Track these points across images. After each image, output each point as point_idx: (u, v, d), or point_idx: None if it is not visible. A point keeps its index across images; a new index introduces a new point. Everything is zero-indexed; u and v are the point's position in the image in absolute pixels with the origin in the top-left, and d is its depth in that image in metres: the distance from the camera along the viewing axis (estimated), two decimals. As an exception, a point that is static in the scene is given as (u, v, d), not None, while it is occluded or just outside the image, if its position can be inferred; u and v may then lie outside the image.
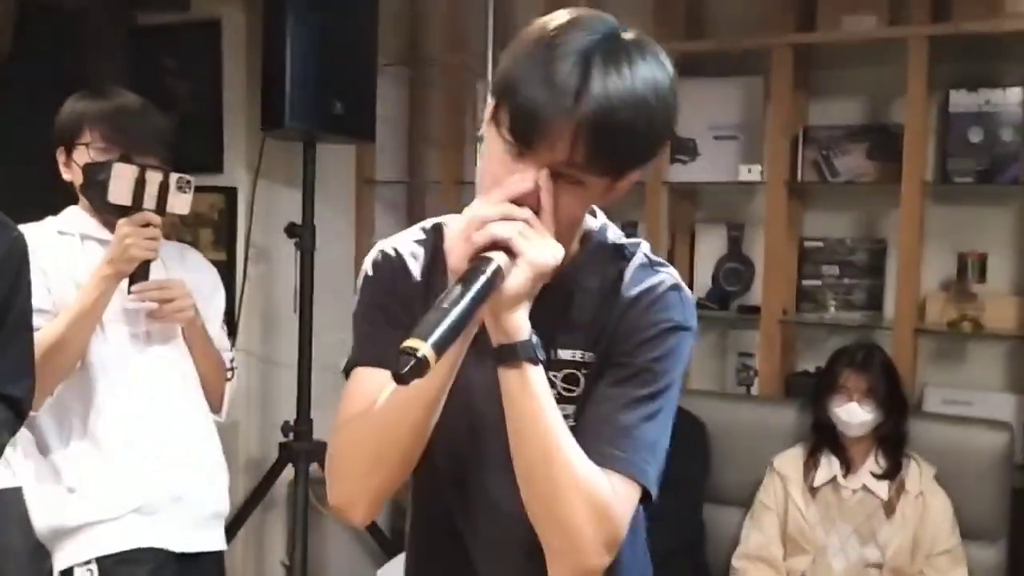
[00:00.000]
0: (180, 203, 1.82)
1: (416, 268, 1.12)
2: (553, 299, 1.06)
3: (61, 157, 1.86)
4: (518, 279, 0.94)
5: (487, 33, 2.97)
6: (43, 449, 1.82)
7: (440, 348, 0.86)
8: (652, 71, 0.97)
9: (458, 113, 3.33)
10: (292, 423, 2.86)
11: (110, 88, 1.93)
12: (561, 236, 1.00)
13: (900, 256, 2.77)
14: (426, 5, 3.50)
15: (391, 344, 0.99)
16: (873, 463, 2.47)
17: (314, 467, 2.81)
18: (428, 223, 1.17)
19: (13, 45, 2.80)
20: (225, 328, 2.08)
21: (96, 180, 1.77)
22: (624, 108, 0.93)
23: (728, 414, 2.83)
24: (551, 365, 1.07)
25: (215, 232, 3.03)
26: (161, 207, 1.79)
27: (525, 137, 0.95)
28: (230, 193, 3.02)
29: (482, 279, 0.92)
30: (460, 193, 3.34)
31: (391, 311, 1.10)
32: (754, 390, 3.06)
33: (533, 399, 0.98)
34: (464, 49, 3.28)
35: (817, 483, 2.49)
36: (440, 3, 3.41)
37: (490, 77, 2.98)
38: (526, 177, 0.96)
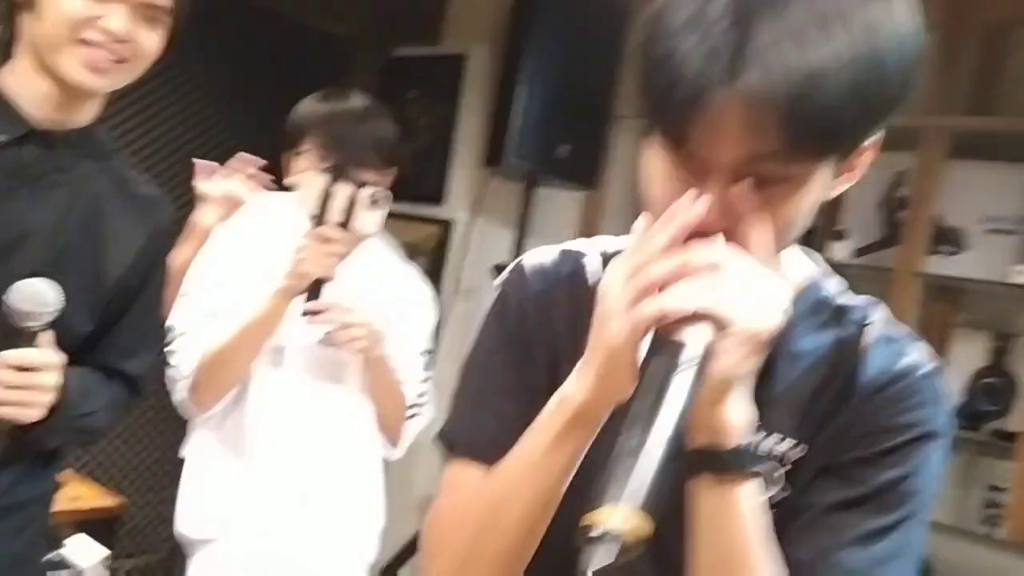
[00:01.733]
0: (369, 220, 1.69)
1: (560, 314, 0.84)
2: None
3: (285, 162, 1.82)
4: (730, 358, 0.65)
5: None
6: (199, 451, 1.80)
7: (648, 506, 0.58)
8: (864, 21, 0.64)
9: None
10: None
11: (341, 91, 1.83)
12: (782, 245, 0.71)
13: None
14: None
15: (509, 424, 0.79)
16: None
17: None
18: (570, 246, 0.90)
19: (277, 65, 2.96)
20: (426, 357, 1.87)
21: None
22: (824, 51, 0.62)
23: (965, 557, 2.38)
24: None
25: (429, 263, 3.02)
26: (348, 222, 1.67)
27: (676, 122, 0.65)
28: (447, 226, 3.01)
29: (675, 380, 0.62)
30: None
31: (524, 369, 0.83)
32: (1001, 533, 2.56)
33: (737, 526, 0.71)
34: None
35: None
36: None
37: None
38: (700, 196, 0.67)
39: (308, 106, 1.79)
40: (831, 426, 0.78)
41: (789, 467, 0.79)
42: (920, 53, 0.70)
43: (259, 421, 1.73)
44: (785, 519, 0.77)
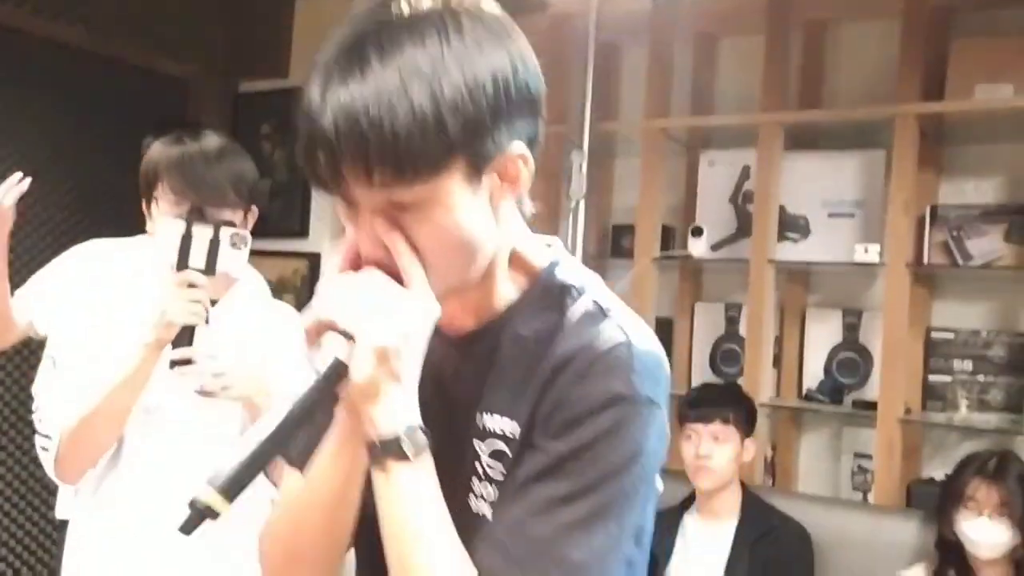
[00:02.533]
0: (233, 261, 1.63)
1: None
2: (480, 350, 0.87)
3: (146, 209, 1.72)
4: (359, 368, 0.77)
5: (585, 103, 2.86)
6: (78, 534, 1.71)
7: (227, 489, 0.76)
8: (415, 50, 0.75)
9: (552, 182, 3.20)
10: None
11: (193, 131, 1.76)
12: (450, 272, 0.80)
13: (1044, 352, 2.42)
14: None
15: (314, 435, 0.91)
16: (1010, 592, 2.11)
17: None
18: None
19: (121, 111, 2.88)
20: None
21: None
22: (362, 105, 0.74)
23: (840, 524, 2.51)
24: (478, 433, 0.86)
25: (297, 298, 2.97)
26: (211, 266, 1.61)
27: (315, 179, 0.78)
28: (313, 258, 2.97)
29: (314, 382, 0.78)
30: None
31: None
32: (871, 497, 2.72)
33: (397, 507, 0.80)
34: (561, 120, 3.17)
35: (941, 611, 2.14)
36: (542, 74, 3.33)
37: (585, 146, 2.86)
38: (351, 232, 0.80)
39: (159, 149, 1.71)
40: (532, 405, 0.83)
41: (511, 448, 0.85)
42: (517, 77, 0.79)
43: (136, 485, 1.65)
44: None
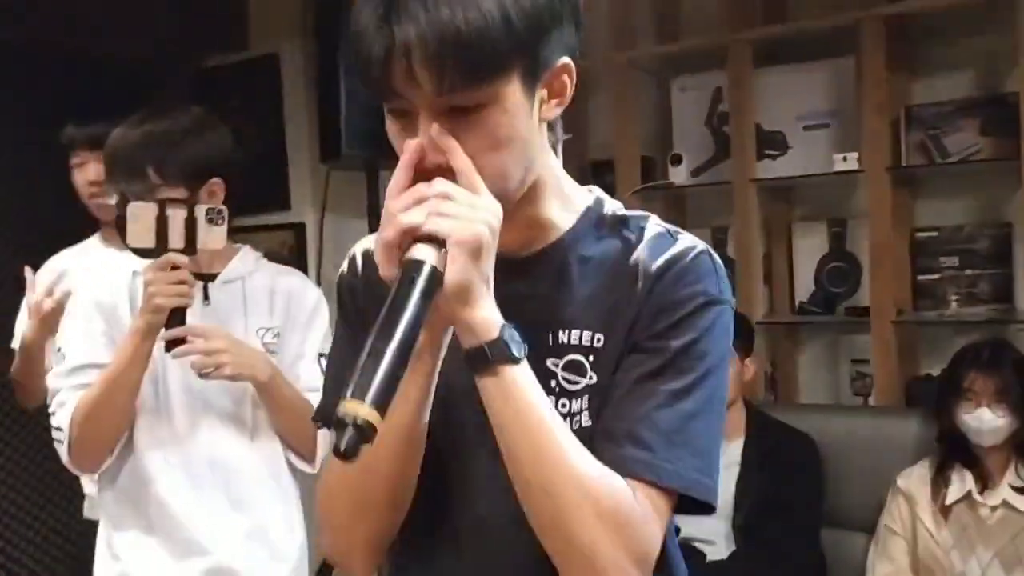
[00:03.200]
0: (213, 237, 1.62)
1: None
2: (546, 272, 0.91)
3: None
4: (455, 269, 0.78)
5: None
6: (103, 507, 1.73)
7: (382, 404, 0.71)
8: None
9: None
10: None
11: (155, 111, 1.70)
12: (502, 180, 0.83)
13: (1028, 239, 2.45)
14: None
15: None
16: (1014, 475, 2.17)
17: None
18: (367, 245, 1.00)
19: (84, 102, 2.85)
20: (325, 361, 1.81)
21: (120, 224, 1.60)
22: (432, 5, 0.77)
23: (844, 429, 2.56)
24: (550, 351, 0.90)
25: (287, 270, 2.98)
26: (191, 245, 1.60)
27: (378, 87, 0.80)
28: (299, 229, 2.97)
29: (413, 293, 0.76)
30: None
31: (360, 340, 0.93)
32: (872, 400, 2.77)
33: (517, 406, 0.82)
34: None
35: (949, 501, 2.20)
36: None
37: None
38: (411, 140, 0.81)
39: (122, 135, 1.67)
40: (624, 314, 0.89)
41: (595, 359, 0.90)
42: None
43: (152, 470, 1.67)
44: (596, 402, 0.89)
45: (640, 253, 0.91)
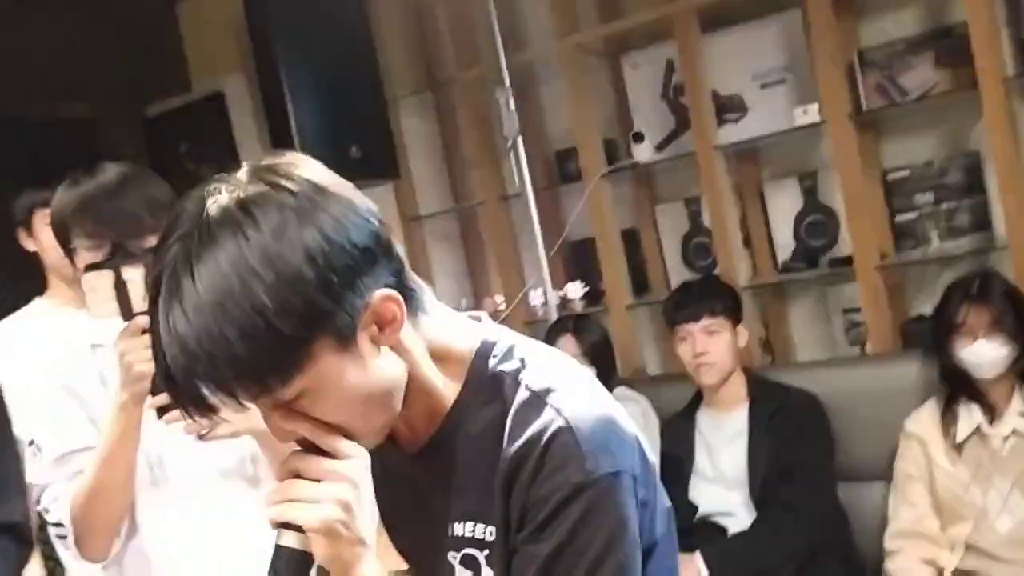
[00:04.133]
0: None
1: None
2: (438, 460, 0.87)
3: (70, 263, 1.60)
4: (318, 552, 0.81)
5: (495, 39, 2.81)
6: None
7: None
8: (219, 263, 0.73)
9: (486, 127, 3.16)
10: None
11: (88, 170, 1.63)
12: (367, 423, 0.82)
13: (997, 165, 2.44)
14: (431, 28, 3.36)
15: None
16: (1020, 402, 2.15)
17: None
18: None
19: (28, 165, 2.78)
20: None
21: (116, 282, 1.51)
22: (194, 341, 0.74)
23: (844, 382, 2.54)
24: (450, 544, 0.86)
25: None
26: None
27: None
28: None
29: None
30: (507, 209, 3.17)
31: None
32: (868, 348, 2.76)
33: None
34: (478, 61, 3.12)
35: (960, 438, 2.19)
36: (445, 21, 3.26)
37: (507, 82, 2.81)
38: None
39: (59, 199, 1.60)
40: (501, 507, 0.83)
41: (488, 552, 0.85)
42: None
43: (157, 545, 1.61)
44: None
45: (507, 426, 0.84)
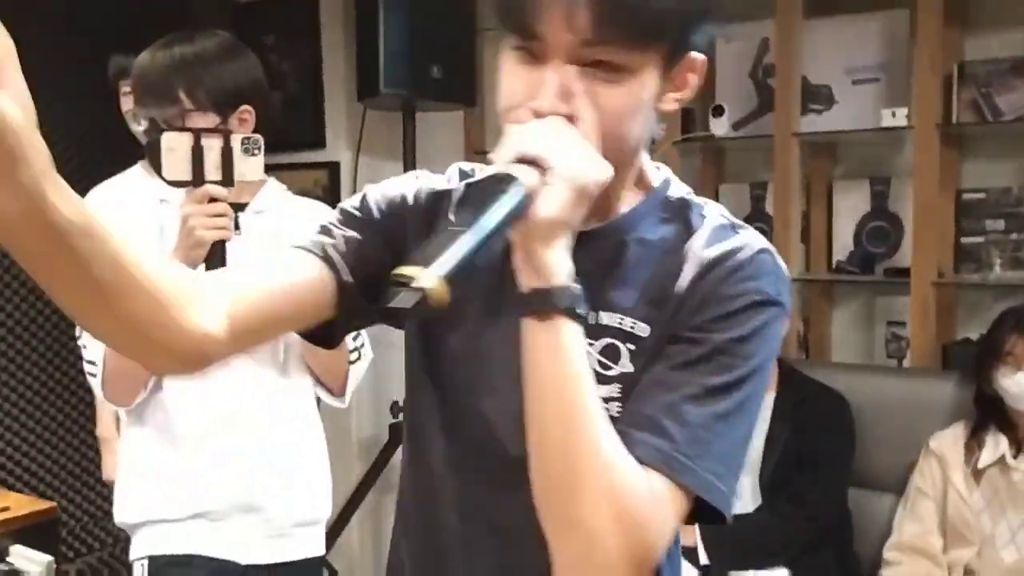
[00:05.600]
0: (250, 167, 1.57)
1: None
2: (601, 248, 0.86)
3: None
4: (552, 199, 0.73)
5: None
6: (127, 443, 1.75)
7: (451, 276, 0.65)
8: None
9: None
10: (401, 403, 2.78)
11: (184, 35, 1.64)
12: (613, 149, 0.79)
13: (1079, 203, 2.38)
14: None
15: (340, 245, 0.91)
16: (1050, 442, 2.13)
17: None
18: (464, 166, 0.98)
19: (117, 33, 2.83)
20: None
21: (151, 152, 1.54)
22: None
23: (876, 389, 2.53)
24: (589, 331, 0.82)
25: (321, 209, 2.97)
26: (228, 176, 1.54)
27: (523, 22, 0.77)
28: (333, 168, 2.96)
29: (503, 198, 0.70)
30: (573, 160, 3.16)
31: (377, 225, 0.92)
32: (907, 363, 2.73)
33: (563, 363, 0.76)
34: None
35: (982, 465, 2.17)
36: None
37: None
38: (545, 83, 0.77)
39: (147, 58, 1.61)
40: (674, 302, 0.84)
41: (633, 347, 0.85)
42: None
43: (181, 407, 1.67)
44: (628, 393, 0.84)
45: (695, 240, 0.86)
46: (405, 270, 0.65)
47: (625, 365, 0.85)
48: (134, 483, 1.72)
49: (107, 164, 2.00)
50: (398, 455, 2.83)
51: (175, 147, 1.52)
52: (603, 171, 0.78)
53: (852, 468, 2.42)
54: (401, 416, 2.93)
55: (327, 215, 0.96)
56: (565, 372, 0.76)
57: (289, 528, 1.75)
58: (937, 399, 2.40)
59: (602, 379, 0.84)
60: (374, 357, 1.81)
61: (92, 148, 2.80)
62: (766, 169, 2.88)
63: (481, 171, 0.90)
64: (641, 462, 0.78)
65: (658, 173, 0.93)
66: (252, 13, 3.03)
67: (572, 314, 0.76)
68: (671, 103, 0.84)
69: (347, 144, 2.93)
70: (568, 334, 0.76)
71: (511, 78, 0.81)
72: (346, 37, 2.89)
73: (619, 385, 0.85)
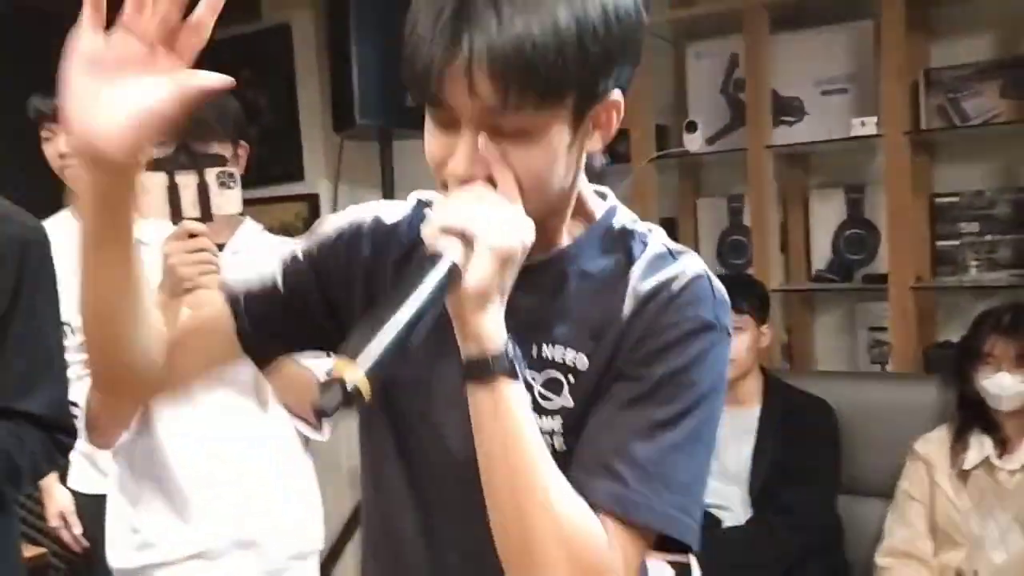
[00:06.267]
0: (227, 201, 1.58)
1: (395, 249, 0.95)
2: (543, 281, 0.87)
3: None
4: (479, 269, 0.75)
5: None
6: (119, 483, 1.74)
7: (376, 369, 0.68)
8: None
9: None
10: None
11: None
12: (538, 201, 0.81)
13: (1049, 203, 2.42)
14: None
15: (267, 282, 0.95)
16: (1034, 440, 2.15)
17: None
18: (423, 195, 1.00)
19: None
20: None
21: (170, 189, 1.54)
22: (521, 19, 0.74)
23: (860, 395, 2.55)
24: (532, 363, 0.86)
25: (302, 241, 2.98)
26: (206, 212, 1.56)
27: (428, 93, 0.78)
28: (312, 200, 2.97)
29: (431, 274, 0.73)
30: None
31: (314, 273, 0.95)
32: (889, 368, 2.76)
33: (506, 423, 0.78)
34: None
35: (968, 466, 2.19)
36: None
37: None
38: (458, 150, 0.79)
39: None
40: (610, 338, 0.85)
41: (574, 380, 0.86)
42: (638, 17, 0.81)
43: (169, 446, 1.67)
44: (570, 426, 0.85)
45: (634, 271, 0.87)
46: (335, 364, 0.68)
47: (566, 399, 0.86)
48: (126, 526, 1.71)
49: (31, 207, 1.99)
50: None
51: (149, 187, 1.53)
52: (527, 234, 0.79)
53: (840, 476, 2.44)
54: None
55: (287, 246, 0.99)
56: (509, 432, 0.78)
57: (284, 561, 1.75)
58: (921, 403, 2.42)
59: (544, 411, 0.86)
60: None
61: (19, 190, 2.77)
62: (742, 182, 2.91)
63: (436, 199, 0.91)
64: (595, 508, 0.79)
65: (602, 203, 0.93)
66: (227, 48, 3.04)
67: (511, 374, 0.78)
68: (595, 143, 0.85)
69: (325, 175, 2.95)
70: (509, 395, 0.78)
71: (430, 141, 0.83)
72: (320, 69, 2.92)
73: (560, 418, 0.86)
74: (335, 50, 2.63)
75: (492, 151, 0.78)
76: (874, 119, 2.63)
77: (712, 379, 0.84)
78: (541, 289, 0.87)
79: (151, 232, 1.60)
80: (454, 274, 0.74)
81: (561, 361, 0.87)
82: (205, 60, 2.79)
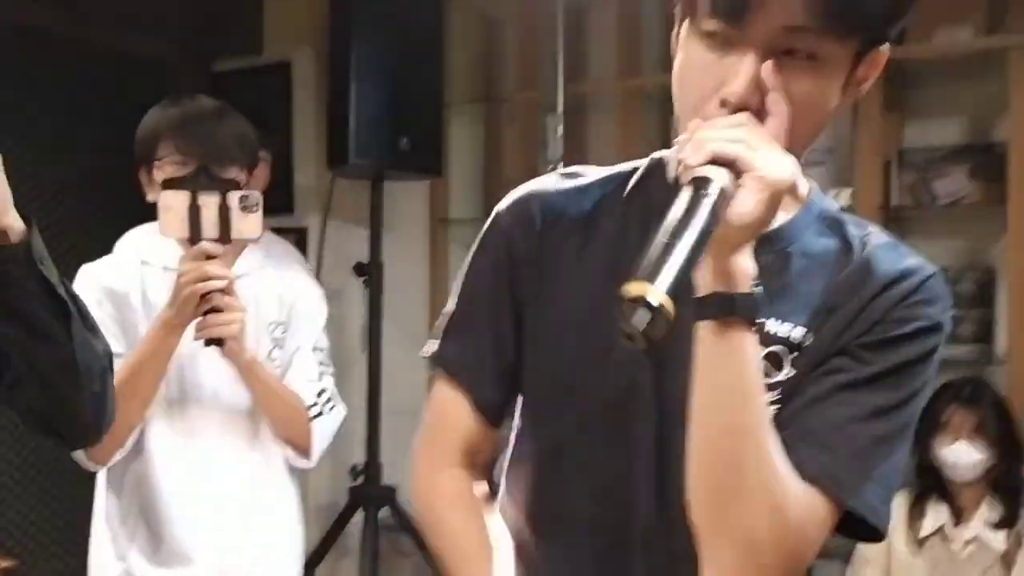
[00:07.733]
0: (248, 225, 1.55)
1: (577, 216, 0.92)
2: (764, 257, 0.82)
3: (144, 178, 1.66)
4: (747, 201, 0.71)
5: (557, 67, 2.91)
6: (104, 515, 1.73)
7: (676, 293, 0.64)
8: None
9: (531, 148, 3.26)
10: (362, 467, 2.79)
11: (186, 96, 1.73)
12: (798, 145, 0.78)
13: (1011, 284, 2.53)
14: (498, 44, 3.47)
15: (489, 349, 0.92)
16: (987, 511, 2.23)
17: (384, 512, 2.72)
18: (581, 170, 0.98)
19: (94, 97, 2.88)
20: (320, 354, 1.81)
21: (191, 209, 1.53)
22: None
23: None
24: (759, 338, 0.82)
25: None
26: (225, 234, 1.53)
27: (729, 4, 0.75)
28: (300, 234, 3.01)
29: (705, 201, 0.68)
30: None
31: (500, 297, 0.92)
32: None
33: (737, 369, 0.76)
34: (535, 86, 3.23)
35: (924, 534, 2.26)
36: (512, 42, 3.37)
37: (560, 109, 2.91)
38: (740, 72, 0.75)
39: (158, 113, 1.65)
40: (838, 317, 0.84)
41: (795, 356, 0.85)
42: None
43: (158, 472, 1.67)
44: (790, 397, 0.84)
45: (868, 258, 0.86)
46: (634, 287, 0.64)
47: (786, 372, 0.85)
48: (110, 548, 1.70)
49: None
50: (356, 519, 2.85)
51: (172, 205, 1.53)
52: (795, 172, 0.75)
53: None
54: (362, 479, 2.91)
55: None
56: (739, 382, 0.77)
57: None
58: (881, 469, 2.48)
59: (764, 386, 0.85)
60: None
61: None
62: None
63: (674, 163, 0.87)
64: (803, 475, 0.79)
65: (806, 183, 0.91)
66: (226, 81, 3.11)
67: (751, 322, 0.76)
68: (850, 98, 0.83)
69: (315, 210, 2.99)
70: (745, 343, 0.76)
71: (698, 66, 0.80)
72: (318, 106, 2.98)
73: (779, 391, 0.85)
74: (334, 88, 2.70)
75: (774, 79, 0.75)
76: (848, 191, 2.74)
77: (928, 379, 0.85)
78: (766, 264, 0.82)
79: (153, 253, 1.64)
80: (721, 202, 0.70)
81: (785, 336, 0.85)
82: (206, 91, 2.88)
